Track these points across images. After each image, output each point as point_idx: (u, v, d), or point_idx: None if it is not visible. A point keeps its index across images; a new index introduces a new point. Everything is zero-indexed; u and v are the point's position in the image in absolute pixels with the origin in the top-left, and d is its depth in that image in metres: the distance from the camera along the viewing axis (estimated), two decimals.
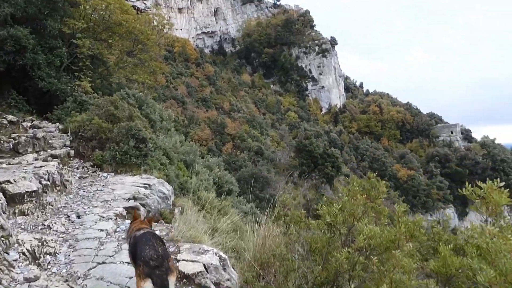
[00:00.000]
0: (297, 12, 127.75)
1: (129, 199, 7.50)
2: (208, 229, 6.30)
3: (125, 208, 7.16)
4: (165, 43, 23.70)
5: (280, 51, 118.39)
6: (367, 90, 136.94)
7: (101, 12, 18.55)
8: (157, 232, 6.07)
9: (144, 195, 7.72)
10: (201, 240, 5.63)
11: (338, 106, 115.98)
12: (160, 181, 8.73)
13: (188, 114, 67.64)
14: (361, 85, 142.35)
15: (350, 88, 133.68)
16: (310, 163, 51.31)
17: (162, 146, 10.95)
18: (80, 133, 10.67)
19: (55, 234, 5.84)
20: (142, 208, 7.26)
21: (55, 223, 6.14)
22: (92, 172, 9.58)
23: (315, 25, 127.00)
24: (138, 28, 18.86)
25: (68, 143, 10.71)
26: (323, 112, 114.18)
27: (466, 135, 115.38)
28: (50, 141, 10.52)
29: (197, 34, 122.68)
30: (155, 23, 21.06)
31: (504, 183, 3.73)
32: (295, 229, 5.35)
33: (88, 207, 7.17)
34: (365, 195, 4.33)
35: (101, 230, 6.06)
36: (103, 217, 6.64)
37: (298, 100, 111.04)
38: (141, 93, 15.86)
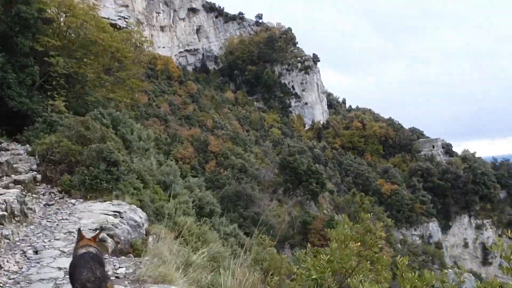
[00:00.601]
0: (279, 29, 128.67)
1: (96, 229, 6.83)
2: (182, 263, 5.65)
3: None
4: (146, 60, 23.16)
5: (263, 68, 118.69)
6: (350, 106, 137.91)
7: (77, 30, 17.93)
8: (123, 270, 5.42)
9: (113, 224, 7.04)
10: (172, 278, 4.99)
11: (322, 122, 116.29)
12: (132, 208, 8.05)
13: (170, 132, 66.83)
14: (344, 101, 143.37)
15: (333, 104, 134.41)
16: (295, 180, 50.87)
17: (136, 168, 10.28)
18: (48, 156, 9.95)
19: (6, 275, 5.15)
20: (109, 240, 6.59)
21: (7, 261, 5.44)
22: (59, 198, 8.87)
23: (297, 42, 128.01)
24: (115, 46, 18.27)
25: (35, 166, 9.98)
26: (306, 128, 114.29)
27: (447, 149, 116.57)
28: (15, 165, 9.78)
29: (180, 52, 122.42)
30: (134, 40, 20.51)
31: None
32: (274, 279, 4.64)
33: (49, 240, 6.48)
34: (359, 242, 3.60)
35: (60, 269, 5.37)
36: (64, 252, 5.95)
37: (282, 117, 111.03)
38: (118, 112, 15.21)
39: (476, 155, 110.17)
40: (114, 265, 5.66)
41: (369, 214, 4.33)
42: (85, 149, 9.42)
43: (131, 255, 6.57)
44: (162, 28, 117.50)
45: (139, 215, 7.69)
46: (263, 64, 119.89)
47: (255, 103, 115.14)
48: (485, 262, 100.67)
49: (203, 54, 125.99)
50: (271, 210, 47.00)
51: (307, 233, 41.89)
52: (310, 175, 50.18)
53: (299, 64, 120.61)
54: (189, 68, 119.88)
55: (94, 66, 18.68)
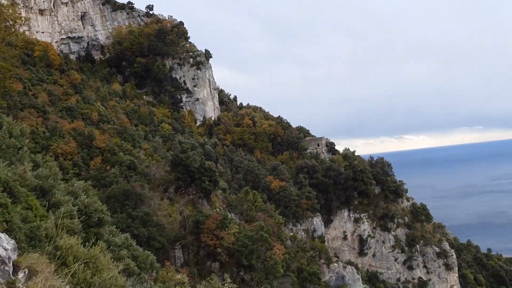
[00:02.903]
0: (171, 22, 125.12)
1: None
2: None
3: None
4: (19, 42, 19.98)
5: (153, 61, 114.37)
6: (241, 104, 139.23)
7: None
8: None
9: None
10: None
11: (213, 119, 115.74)
12: None
13: (50, 125, 60.86)
14: (235, 98, 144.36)
15: (225, 101, 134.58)
16: (187, 178, 49.32)
17: (3, 178, 8.14)
18: None
19: None
20: None
21: None
22: None
23: (189, 37, 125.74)
24: None
25: None
26: (197, 124, 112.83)
27: (330, 147, 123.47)
28: None
29: (62, 38, 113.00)
30: (5, 16, 17.42)
31: None
32: None
33: None
34: None
35: None
36: None
37: (172, 112, 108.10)
38: None
39: (356, 153, 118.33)
40: None
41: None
42: None
43: None
44: (41, 12, 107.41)
45: (4, 246, 5.67)
46: (154, 57, 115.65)
47: (145, 96, 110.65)
48: (361, 252, 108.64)
49: (88, 43, 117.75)
50: (162, 209, 45.00)
51: (200, 233, 40.74)
52: (202, 172, 49.00)
53: (191, 59, 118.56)
54: (72, 57, 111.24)
55: None
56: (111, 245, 12.97)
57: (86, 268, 6.43)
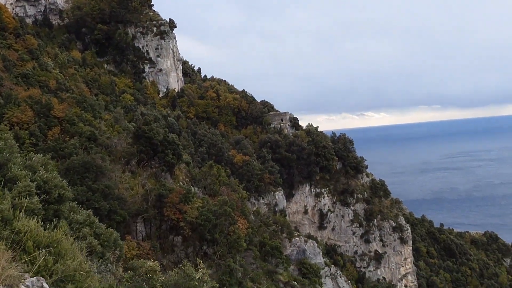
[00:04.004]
0: None
1: None
2: None
3: None
4: None
5: (115, 29, 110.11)
6: (205, 76, 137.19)
7: None
8: None
9: None
10: None
11: (176, 90, 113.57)
12: None
13: (4, 92, 57.87)
14: (199, 71, 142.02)
15: (188, 73, 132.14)
16: (150, 151, 48.30)
17: None
18: None
19: None
20: None
21: None
22: None
23: (153, 4, 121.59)
24: None
25: None
26: (160, 95, 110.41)
27: (294, 123, 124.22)
28: None
29: (17, 0, 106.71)
30: None
31: None
32: None
33: None
34: None
35: None
36: None
37: (135, 82, 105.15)
38: None
39: (319, 129, 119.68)
40: None
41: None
42: None
43: None
44: None
45: None
46: (116, 24, 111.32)
47: (106, 65, 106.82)
48: (321, 226, 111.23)
49: (45, 6, 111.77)
50: (123, 182, 44.08)
51: (163, 207, 40.22)
52: (166, 146, 48.06)
53: (155, 28, 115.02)
54: (28, 21, 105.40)
55: None
56: (72, 223, 12.38)
57: (47, 254, 5.93)
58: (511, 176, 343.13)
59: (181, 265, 12.26)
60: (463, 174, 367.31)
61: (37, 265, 5.49)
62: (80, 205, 17.98)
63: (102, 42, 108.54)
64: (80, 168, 42.27)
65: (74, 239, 8.97)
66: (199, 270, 11.70)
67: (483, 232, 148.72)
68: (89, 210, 15.24)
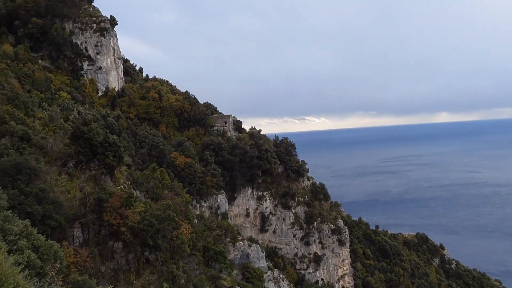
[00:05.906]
0: None
1: None
2: None
3: None
4: None
5: (51, 23, 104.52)
6: (147, 76, 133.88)
7: None
8: None
9: None
10: None
11: (117, 90, 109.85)
12: None
13: None
14: (141, 70, 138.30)
15: (130, 72, 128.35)
16: (89, 152, 45.98)
17: None
18: None
19: None
20: None
21: None
22: None
23: (93, 0, 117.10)
24: None
25: None
26: (99, 94, 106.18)
27: (237, 125, 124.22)
28: None
29: None
30: None
31: None
32: None
33: None
34: None
35: None
36: None
37: (72, 80, 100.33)
38: None
39: (262, 133, 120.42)
40: None
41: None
42: None
43: None
44: None
45: None
46: (52, 18, 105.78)
47: (40, 61, 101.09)
48: (263, 229, 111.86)
49: None
50: (59, 185, 41.67)
51: (102, 211, 38.34)
52: (106, 147, 45.99)
53: (95, 24, 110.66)
54: None
55: None
56: (7, 235, 11.25)
57: None
58: (439, 179, 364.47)
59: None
60: (397, 177, 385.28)
61: None
62: (12, 210, 16.57)
63: (37, 37, 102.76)
64: (11, 170, 39.40)
65: (9, 252, 8.06)
66: None
67: (414, 233, 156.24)
68: (27, 220, 13.98)
